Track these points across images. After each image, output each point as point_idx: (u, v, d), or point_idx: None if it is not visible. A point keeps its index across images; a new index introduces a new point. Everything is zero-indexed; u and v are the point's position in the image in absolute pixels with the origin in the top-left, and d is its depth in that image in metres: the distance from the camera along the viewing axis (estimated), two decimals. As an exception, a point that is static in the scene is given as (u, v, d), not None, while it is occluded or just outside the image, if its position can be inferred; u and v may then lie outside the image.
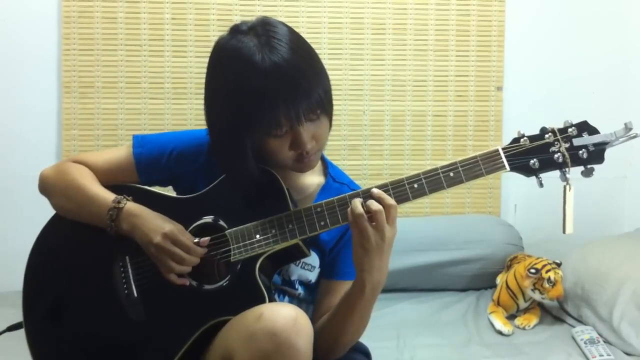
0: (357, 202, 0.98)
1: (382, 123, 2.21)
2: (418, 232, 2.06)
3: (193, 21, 2.10)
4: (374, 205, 0.97)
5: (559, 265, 1.79)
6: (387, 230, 0.97)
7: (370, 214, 0.96)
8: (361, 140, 2.21)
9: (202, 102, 2.11)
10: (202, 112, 2.04)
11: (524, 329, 1.75)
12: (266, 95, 0.96)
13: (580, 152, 0.98)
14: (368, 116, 2.20)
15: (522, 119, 2.25)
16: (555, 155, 0.98)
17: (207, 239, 1.05)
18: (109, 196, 1.09)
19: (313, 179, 1.19)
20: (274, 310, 0.92)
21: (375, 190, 0.99)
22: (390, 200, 0.97)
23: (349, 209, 0.98)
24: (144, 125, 2.11)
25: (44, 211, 1.79)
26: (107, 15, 2.08)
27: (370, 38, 2.19)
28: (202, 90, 2.01)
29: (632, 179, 2.27)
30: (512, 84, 2.26)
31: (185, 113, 2.12)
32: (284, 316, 0.90)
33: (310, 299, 1.21)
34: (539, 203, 2.06)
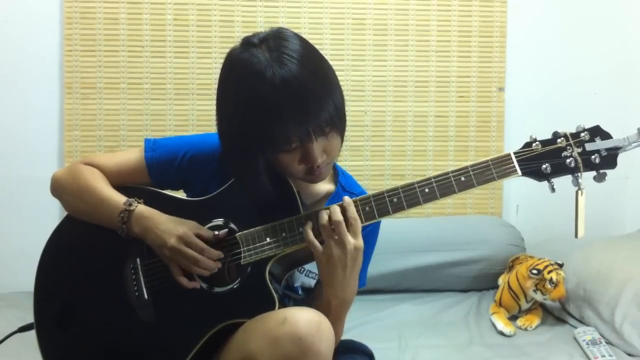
0: (324, 213, 0.99)
1: (384, 124, 2.21)
2: (420, 233, 2.06)
3: (195, 22, 2.10)
4: (335, 215, 0.97)
5: (560, 266, 1.79)
6: (348, 241, 0.97)
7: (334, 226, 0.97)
8: (363, 141, 2.21)
9: (204, 103, 2.12)
10: (204, 113, 2.06)
11: (525, 329, 1.75)
12: (276, 111, 0.95)
13: (593, 157, 0.97)
14: (370, 117, 2.20)
15: (524, 120, 2.25)
16: (568, 160, 0.98)
17: (225, 231, 1.05)
18: (120, 199, 1.09)
19: (323, 187, 1.18)
20: (297, 315, 0.92)
21: (345, 199, 1.00)
22: (353, 213, 0.98)
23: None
24: (145, 126, 2.11)
25: (45, 212, 1.80)
26: (109, 16, 2.08)
27: (372, 39, 2.19)
28: (204, 91, 2.02)
29: (634, 180, 2.27)
30: (513, 84, 2.26)
31: (187, 114, 2.11)
32: (308, 321, 0.91)
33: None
34: (541, 204, 2.06)
